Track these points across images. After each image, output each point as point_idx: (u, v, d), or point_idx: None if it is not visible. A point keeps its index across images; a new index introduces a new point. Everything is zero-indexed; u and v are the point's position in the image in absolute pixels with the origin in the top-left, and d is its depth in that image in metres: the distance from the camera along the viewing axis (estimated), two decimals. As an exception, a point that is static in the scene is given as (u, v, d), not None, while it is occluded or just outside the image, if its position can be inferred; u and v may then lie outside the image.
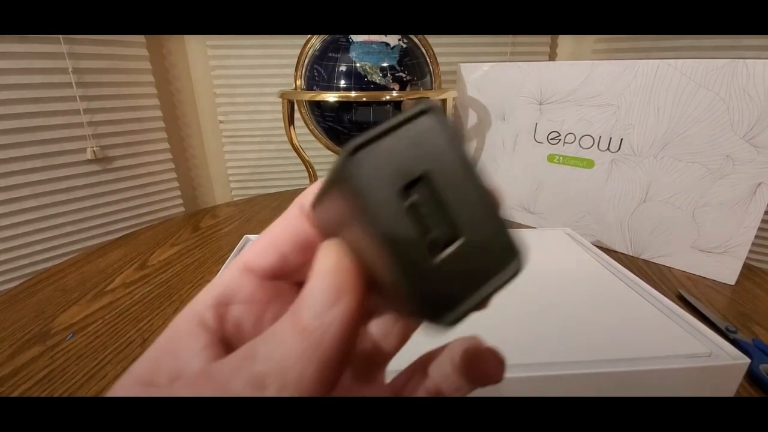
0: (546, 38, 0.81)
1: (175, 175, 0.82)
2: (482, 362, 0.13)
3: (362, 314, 0.10)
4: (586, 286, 0.38)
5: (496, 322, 0.32)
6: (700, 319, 0.33)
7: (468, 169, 0.08)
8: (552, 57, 0.84)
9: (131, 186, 0.76)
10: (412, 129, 0.08)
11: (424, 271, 0.07)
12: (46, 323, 0.41)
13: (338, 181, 0.08)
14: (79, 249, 0.71)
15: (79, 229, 0.71)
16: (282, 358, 0.09)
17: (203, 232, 0.65)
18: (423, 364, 0.15)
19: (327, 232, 0.11)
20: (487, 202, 0.08)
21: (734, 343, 0.35)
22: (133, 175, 0.76)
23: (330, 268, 0.09)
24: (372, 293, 0.10)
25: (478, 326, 0.33)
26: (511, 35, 0.79)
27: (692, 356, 0.28)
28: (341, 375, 0.10)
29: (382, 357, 0.14)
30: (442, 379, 0.14)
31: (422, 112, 0.08)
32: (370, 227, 0.07)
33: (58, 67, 0.63)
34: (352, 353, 0.10)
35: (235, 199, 0.90)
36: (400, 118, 0.08)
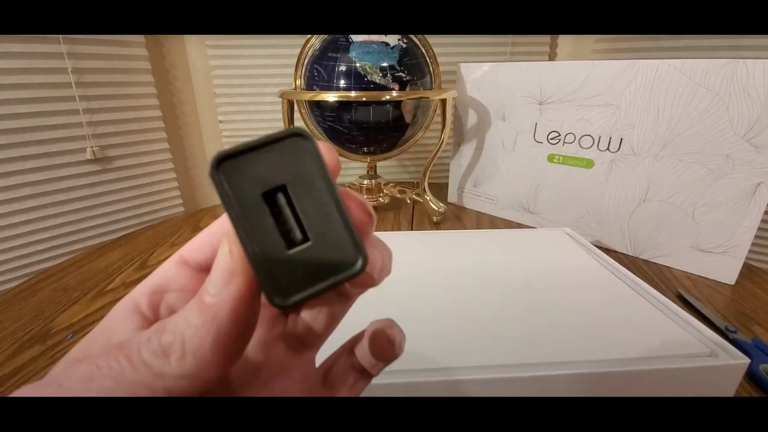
0: (546, 38, 0.81)
1: (175, 175, 0.82)
2: (378, 343, 0.15)
3: (255, 294, 0.11)
4: (586, 286, 0.38)
5: (496, 321, 0.32)
6: (699, 319, 0.33)
7: (324, 187, 0.09)
8: (552, 57, 0.84)
9: (131, 186, 0.76)
10: (281, 147, 0.09)
11: (273, 262, 0.09)
12: (46, 323, 0.41)
13: (214, 182, 0.09)
14: (79, 249, 0.71)
15: (79, 228, 0.71)
16: (184, 330, 0.10)
17: (203, 232, 0.65)
18: (351, 344, 0.17)
19: None
20: (337, 215, 0.09)
21: (734, 342, 0.36)
22: (132, 175, 0.76)
23: (225, 255, 0.10)
24: None
25: (479, 326, 0.33)
26: (510, 35, 0.79)
27: (692, 356, 0.28)
28: (243, 347, 0.11)
29: (312, 338, 0.15)
30: (361, 357, 0.16)
31: (293, 134, 0.09)
32: (231, 221, 0.09)
33: (58, 67, 0.63)
34: (251, 327, 0.11)
35: (235, 198, 0.90)
36: (272, 136, 0.09)
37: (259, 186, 0.09)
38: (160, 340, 0.11)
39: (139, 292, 0.14)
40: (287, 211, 0.09)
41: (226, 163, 0.09)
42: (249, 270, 0.10)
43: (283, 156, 0.09)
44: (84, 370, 0.11)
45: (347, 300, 0.15)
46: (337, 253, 0.09)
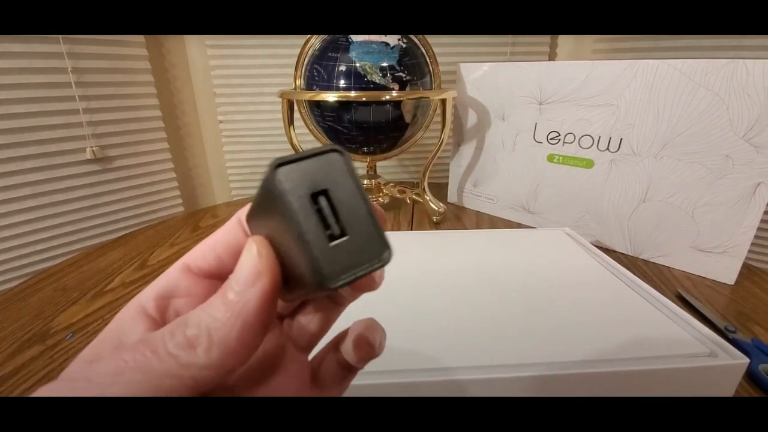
0: (546, 38, 0.81)
1: (175, 175, 0.82)
2: (360, 347, 0.16)
3: (277, 293, 0.12)
4: (586, 286, 0.38)
5: (495, 321, 0.32)
6: (699, 319, 0.33)
7: (356, 193, 0.11)
8: (552, 57, 0.84)
9: (131, 186, 0.76)
10: (323, 159, 0.11)
11: (321, 250, 0.11)
12: (45, 323, 0.41)
13: (267, 187, 0.11)
14: (79, 249, 0.71)
15: (79, 228, 0.71)
16: (209, 323, 0.11)
17: (203, 231, 0.65)
18: (336, 342, 0.17)
19: (256, 232, 0.14)
20: (367, 216, 0.11)
21: (733, 342, 0.36)
22: (132, 175, 0.76)
23: (252, 255, 0.12)
24: (288, 282, 0.12)
25: (478, 326, 0.33)
26: (510, 35, 0.79)
27: (691, 356, 0.29)
28: (262, 339, 0.12)
29: (305, 340, 0.17)
30: (346, 354, 0.16)
31: (332, 150, 0.11)
32: (289, 217, 0.11)
33: (58, 66, 0.63)
34: (270, 322, 0.12)
35: (235, 198, 0.90)
36: (315, 150, 0.11)
37: (307, 188, 0.11)
38: (186, 333, 0.11)
39: (146, 296, 0.14)
40: (327, 210, 0.11)
41: (281, 167, 0.11)
42: (275, 271, 0.12)
43: (324, 167, 0.11)
44: (112, 365, 0.11)
45: (339, 306, 0.16)
46: (370, 247, 0.11)
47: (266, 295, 0.11)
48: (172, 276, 0.15)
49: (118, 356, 0.11)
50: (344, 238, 0.11)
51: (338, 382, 0.17)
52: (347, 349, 0.16)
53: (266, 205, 0.12)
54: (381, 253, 0.11)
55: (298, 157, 0.11)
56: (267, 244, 0.12)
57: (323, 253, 0.11)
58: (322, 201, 0.11)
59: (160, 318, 0.14)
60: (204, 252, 0.15)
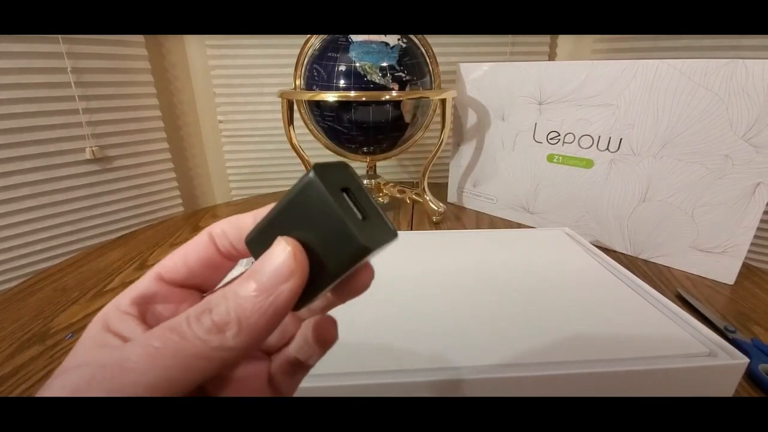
0: (545, 38, 0.81)
1: (175, 175, 0.82)
2: (321, 328, 0.17)
3: (301, 291, 0.13)
4: (586, 286, 0.38)
5: (495, 321, 0.32)
6: (699, 319, 0.33)
7: (366, 193, 0.15)
8: (551, 57, 0.84)
9: (130, 186, 0.76)
10: (339, 168, 0.15)
11: (356, 226, 0.13)
12: (45, 323, 0.41)
13: (305, 189, 0.14)
14: (79, 249, 0.71)
15: (79, 228, 0.71)
16: (239, 312, 0.12)
17: (203, 231, 0.65)
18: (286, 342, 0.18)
19: (263, 246, 0.15)
20: (376, 207, 0.15)
21: (733, 342, 0.36)
22: (132, 175, 0.75)
23: (288, 256, 0.13)
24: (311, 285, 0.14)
25: (478, 326, 0.33)
26: (510, 35, 0.79)
27: (691, 356, 0.29)
28: (273, 331, 0.13)
29: (267, 350, 0.18)
30: (297, 351, 0.17)
31: (341, 164, 0.15)
32: (327, 206, 0.13)
33: (57, 66, 0.63)
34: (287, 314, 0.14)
35: (235, 198, 0.90)
36: (330, 163, 0.14)
37: (337, 186, 0.14)
38: (213, 320, 0.12)
39: (124, 303, 0.15)
40: (350, 202, 0.14)
41: (318, 172, 0.13)
42: (304, 272, 0.13)
43: (341, 174, 0.15)
44: (142, 352, 0.12)
45: (301, 321, 0.18)
46: (382, 228, 0.15)
47: (295, 292, 0.13)
48: (147, 284, 0.16)
49: (146, 343, 0.12)
50: (367, 220, 0.14)
51: (290, 383, 0.18)
52: (298, 345, 0.17)
53: (296, 208, 0.14)
54: (391, 232, 0.15)
55: (326, 165, 0.14)
56: (300, 245, 0.14)
57: (358, 228, 0.13)
58: (345, 195, 0.14)
59: (142, 319, 0.15)
60: (176, 263, 0.16)
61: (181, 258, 0.16)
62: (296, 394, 0.18)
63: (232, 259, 0.16)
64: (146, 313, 0.16)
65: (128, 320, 0.15)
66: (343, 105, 0.57)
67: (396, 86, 0.56)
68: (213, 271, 0.16)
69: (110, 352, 0.13)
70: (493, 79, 0.63)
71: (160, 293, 0.16)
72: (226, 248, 0.16)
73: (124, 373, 0.12)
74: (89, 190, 0.71)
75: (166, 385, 0.12)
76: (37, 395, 0.12)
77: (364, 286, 0.16)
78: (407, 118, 0.61)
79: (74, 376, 0.12)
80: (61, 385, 0.12)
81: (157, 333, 0.13)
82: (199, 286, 0.17)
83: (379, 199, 0.71)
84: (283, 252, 0.13)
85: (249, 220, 0.15)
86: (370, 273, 0.16)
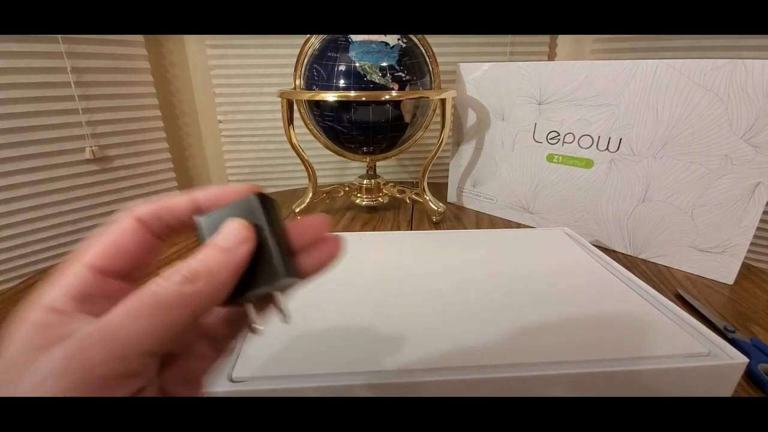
0: (545, 38, 0.81)
1: (174, 175, 0.82)
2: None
3: (245, 264, 0.16)
4: (585, 285, 0.38)
5: (495, 321, 0.32)
6: (698, 319, 0.33)
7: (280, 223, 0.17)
8: (551, 57, 0.84)
9: (130, 186, 0.76)
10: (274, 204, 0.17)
11: (280, 259, 0.16)
12: (45, 323, 0.41)
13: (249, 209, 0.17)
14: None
15: (79, 228, 0.71)
16: (208, 263, 0.15)
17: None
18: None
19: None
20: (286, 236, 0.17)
21: (733, 342, 0.36)
22: (132, 175, 0.76)
23: (244, 227, 0.16)
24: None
25: (478, 325, 0.33)
26: (510, 35, 0.79)
27: (691, 356, 0.29)
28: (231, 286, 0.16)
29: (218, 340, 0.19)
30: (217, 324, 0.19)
31: (264, 196, 0.17)
32: (270, 224, 0.16)
33: (57, 66, 0.63)
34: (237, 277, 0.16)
35: (235, 198, 0.90)
36: (257, 196, 0.17)
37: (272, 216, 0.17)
38: (184, 274, 0.14)
39: (56, 298, 0.15)
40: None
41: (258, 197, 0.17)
42: (253, 242, 0.16)
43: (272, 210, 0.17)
44: (119, 311, 0.13)
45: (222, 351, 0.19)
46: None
47: (249, 252, 0.16)
48: (81, 277, 0.15)
49: (126, 304, 0.14)
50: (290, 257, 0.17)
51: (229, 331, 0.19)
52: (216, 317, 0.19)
53: (239, 213, 0.17)
54: (282, 272, 0.16)
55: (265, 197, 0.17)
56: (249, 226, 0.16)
57: (281, 261, 0.16)
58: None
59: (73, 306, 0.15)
60: (106, 250, 0.16)
61: (111, 245, 0.16)
62: (296, 395, 0.18)
63: (164, 239, 0.17)
64: (85, 309, 0.15)
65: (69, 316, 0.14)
66: (343, 105, 0.57)
67: (396, 86, 0.56)
68: (149, 253, 0.17)
69: (89, 321, 0.14)
70: (493, 79, 0.63)
71: (97, 285, 0.15)
72: (160, 229, 0.17)
73: (112, 333, 0.13)
74: (89, 189, 0.71)
75: (153, 338, 0.13)
76: (17, 378, 0.12)
77: (328, 257, 0.18)
78: (407, 118, 0.61)
79: (63, 348, 0.13)
80: (51, 359, 0.12)
81: (133, 296, 0.14)
82: (132, 272, 0.16)
83: (379, 199, 0.71)
84: (239, 224, 0.16)
85: (183, 200, 0.17)
86: (334, 246, 0.18)
